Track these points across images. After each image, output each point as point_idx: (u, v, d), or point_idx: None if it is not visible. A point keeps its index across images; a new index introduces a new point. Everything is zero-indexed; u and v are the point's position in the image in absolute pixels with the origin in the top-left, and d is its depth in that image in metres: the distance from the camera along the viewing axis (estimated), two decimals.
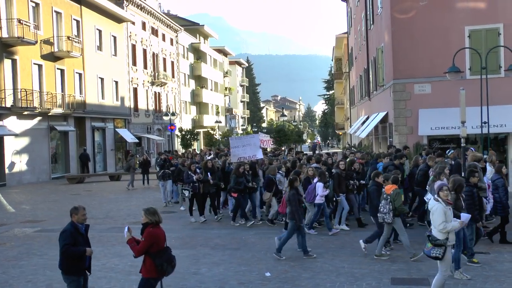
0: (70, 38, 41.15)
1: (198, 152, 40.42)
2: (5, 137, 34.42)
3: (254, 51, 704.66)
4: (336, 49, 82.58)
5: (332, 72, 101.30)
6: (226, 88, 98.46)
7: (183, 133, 59.14)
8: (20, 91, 35.32)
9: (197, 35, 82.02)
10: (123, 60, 52.34)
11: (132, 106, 54.39)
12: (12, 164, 35.19)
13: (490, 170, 15.63)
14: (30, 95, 36.15)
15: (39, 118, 37.86)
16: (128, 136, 50.71)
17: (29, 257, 13.77)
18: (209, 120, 78.70)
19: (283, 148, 45.27)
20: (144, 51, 58.56)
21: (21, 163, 36.26)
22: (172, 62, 67.96)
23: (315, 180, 15.84)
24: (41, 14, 38.32)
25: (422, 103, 26.59)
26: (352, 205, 17.47)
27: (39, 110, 37.17)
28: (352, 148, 34.78)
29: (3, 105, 33.98)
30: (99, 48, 47.41)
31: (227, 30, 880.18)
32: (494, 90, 22.47)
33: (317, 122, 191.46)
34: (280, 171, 18.32)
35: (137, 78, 55.99)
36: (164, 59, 64.86)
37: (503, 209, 13.53)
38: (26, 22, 35.65)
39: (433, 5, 26.45)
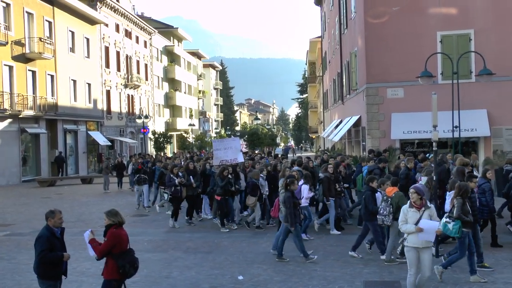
0: (42, 40, 40.71)
1: (170, 155, 40.26)
2: None
3: (228, 54, 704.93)
4: (310, 53, 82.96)
5: (306, 75, 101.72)
6: (199, 91, 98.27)
7: (156, 136, 58.91)
8: None
9: (171, 38, 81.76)
10: (96, 62, 51.93)
11: (105, 108, 53.97)
12: None
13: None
14: (1, 96, 35.70)
15: (9, 120, 37.37)
16: (100, 139, 50.30)
17: None
18: (182, 123, 78.42)
19: (256, 152, 45.27)
20: (118, 53, 58.18)
21: None
22: (146, 65, 67.62)
23: (300, 182, 15.65)
24: (12, 14, 37.85)
25: (395, 107, 26.83)
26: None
27: (10, 112, 36.70)
28: (326, 152, 34.91)
29: None
30: (72, 50, 46.98)
31: (201, 33, 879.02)
32: (465, 94, 22.79)
33: (290, 125, 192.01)
34: (261, 174, 18.19)
35: (110, 81, 55.59)
36: (138, 62, 64.50)
37: (489, 212, 13.67)
38: None
39: (406, 10, 26.73)
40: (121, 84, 58.86)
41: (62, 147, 44.84)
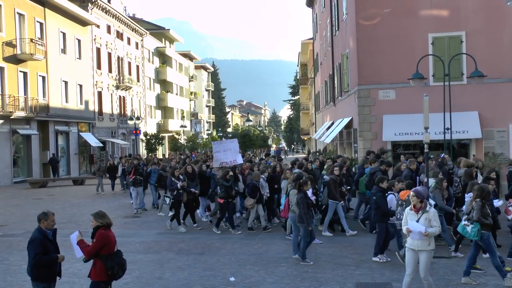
0: (34, 41, 40.59)
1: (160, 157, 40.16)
2: None
3: (219, 56, 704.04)
4: (301, 54, 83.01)
5: (298, 77, 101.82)
6: (191, 93, 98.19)
7: (148, 137, 58.81)
8: None
9: (163, 39, 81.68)
10: (87, 63, 51.81)
11: (96, 110, 53.86)
12: None
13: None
14: None
15: (0, 121, 37.22)
16: (92, 140, 50.18)
17: None
18: (174, 124, 78.32)
19: (249, 153, 45.29)
20: (109, 54, 58.08)
21: None
22: (137, 66, 67.52)
23: None
24: (3, 15, 37.70)
25: (386, 109, 26.88)
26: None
27: (1, 113, 36.57)
28: (317, 153, 34.95)
29: None
30: (63, 51, 46.87)
31: (193, 34, 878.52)
32: (456, 96, 22.85)
33: (282, 127, 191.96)
34: (262, 176, 18.06)
35: (102, 82, 55.48)
36: (129, 63, 64.40)
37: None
38: None
39: (398, 12, 26.80)
40: (113, 85, 58.75)
41: (54, 148, 44.71)
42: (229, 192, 17.37)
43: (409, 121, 25.36)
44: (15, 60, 39.10)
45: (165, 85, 79.52)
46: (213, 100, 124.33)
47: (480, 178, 15.28)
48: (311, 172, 18.25)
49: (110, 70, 58.09)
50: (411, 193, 9.71)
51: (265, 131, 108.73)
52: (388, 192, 12.95)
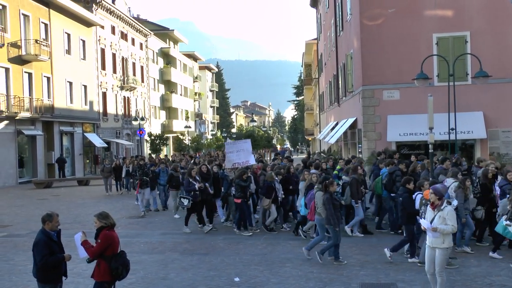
0: (38, 42, 40.68)
1: (170, 157, 40.10)
2: None
3: (224, 57, 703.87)
4: (305, 55, 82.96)
5: (302, 78, 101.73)
6: (195, 93, 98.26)
7: (153, 138, 58.84)
8: None
9: (167, 40, 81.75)
10: (92, 64, 51.91)
11: (101, 110, 53.95)
12: None
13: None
14: None
15: (6, 122, 37.32)
16: (96, 140, 50.25)
17: None
18: (178, 125, 78.39)
19: (259, 153, 45.29)
20: (114, 55, 58.17)
21: None
22: (142, 67, 67.60)
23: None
24: (8, 16, 37.80)
25: (391, 109, 26.87)
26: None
27: (6, 114, 36.66)
28: (322, 154, 34.90)
29: None
30: (68, 52, 46.96)
31: (197, 35, 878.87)
32: (461, 97, 22.82)
33: (286, 127, 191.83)
34: (275, 177, 17.64)
35: (106, 83, 55.57)
36: (134, 64, 64.49)
37: None
38: None
39: (402, 12, 26.78)
40: (117, 86, 58.84)
41: (59, 149, 44.83)
42: (246, 192, 17.18)
43: (414, 122, 25.35)
44: (20, 61, 39.19)
45: (170, 86, 79.59)
46: (218, 100, 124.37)
47: (499, 179, 15.15)
48: (325, 172, 18.14)
49: (114, 71, 58.18)
50: (430, 190, 9.84)
51: (269, 131, 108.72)
52: (417, 192, 12.84)
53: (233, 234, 16.99)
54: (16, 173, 39.17)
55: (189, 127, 78.38)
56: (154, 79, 73.01)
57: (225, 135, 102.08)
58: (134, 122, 54.80)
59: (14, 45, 38.39)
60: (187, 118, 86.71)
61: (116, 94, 58.63)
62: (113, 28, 58.23)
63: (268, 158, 55.48)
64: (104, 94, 55.14)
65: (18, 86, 38.78)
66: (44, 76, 42.63)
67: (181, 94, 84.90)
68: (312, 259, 13.09)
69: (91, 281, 8.52)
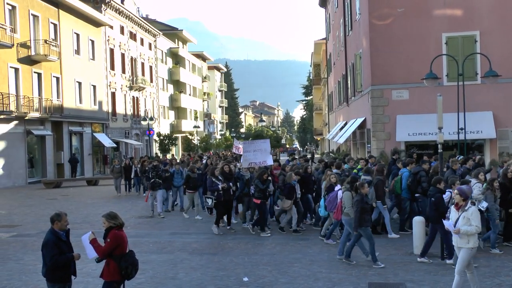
0: (48, 42, 40.83)
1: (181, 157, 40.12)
2: None
3: (232, 56, 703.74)
4: (314, 55, 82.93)
5: (311, 77, 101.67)
6: (204, 93, 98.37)
7: (161, 138, 58.97)
8: None
9: (176, 40, 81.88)
10: (101, 64, 52.06)
11: (110, 110, 54.11)
12: None
13: None
14: (7, 98, 35.77)
15: (15, 122, 37.48)
16: (106, 140, 50.39)
17: (4, 262, 13.60)
18: (187, 125, 78.51)
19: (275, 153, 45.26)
20: (122, 55, 58.32)
21: None
22: (151, 67, 67.74)
23: (337, 187, 15.03)
24: (18, 17, 37.97)
25: (400, 109, 26.80)
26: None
27: (16, 114, 36.81)
28: (331, 154, 34.87)
29: None
30: (77, 52, 47.11)
31: (206, 35, 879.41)
32: (470, 96, 22.76)
33: (295, 127, 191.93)
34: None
35: (115, 83, 55.72)
36: (143, 64, 64.63)
37: None
38: (3, 25, 35.34)
39: (411, 12, 26.71)
40: (126, 86, 58.98)
41: (68, 149, 45.00)
42: (266, 193, 17.04)
43: (423, 121, 25.27)
44: (30, 61, 39.35)
45: (178, 86, 79.72)
46: (226, 100, 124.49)
47: None
48: (341, 172, 18.05)
49: (123, 71, 58.33)
50: (455, 191, 9.86)
51: (278, 131, 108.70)
52: (448, 190, 12.78)
53: (242, 234, 16.99)
54: (25, 173, 39.32)
55: (198, 127, 78.54)
56: (163, 79, 73.15)
57: (234, 135, 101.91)
58: (143, 122, 54.94)
59: (24, 45, 38.56)
60: (196, 118, 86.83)
61: (125, 94, 58.78)
62: (122, 28, 58.37)
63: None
64: (113, 94, 55.29)
65: (27, 86, 38.95)
66: (54, 76, 42.79)
67: (190, 94, 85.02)
68: (319, 260, 13.05)
69: (100, 281, 8.55)
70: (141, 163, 29.44)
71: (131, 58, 60.76)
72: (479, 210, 11.88)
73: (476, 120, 24.31)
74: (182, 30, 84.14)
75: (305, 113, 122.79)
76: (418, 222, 13.66)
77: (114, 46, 55.63)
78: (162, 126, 69.48)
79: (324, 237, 15.52)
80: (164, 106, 73.34)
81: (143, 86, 62.46)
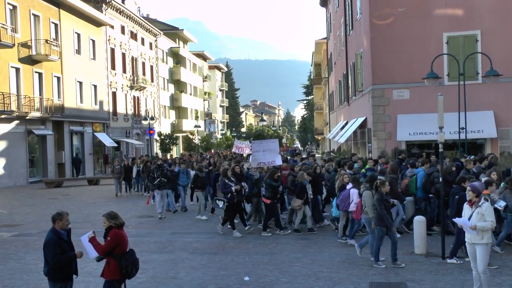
0: (48, 42, 40.83)
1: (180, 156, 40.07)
2: None
3: (233, 56, 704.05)
4: (315, 54, 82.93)
5: (312, 77, 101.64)
6: (205, 93, 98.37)
7: (162, 137, 58.99)
8: None
9: (177, 40, 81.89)
10: (102, 64, 52.08)
11: (111, 110, 54.12)
12: None
13: None
14: (8, 98, 35.79)
15: (16, 121, 37.50)
16: (106, 140, 50.41)
17: (5, 262, 13.61)
18: (188, 124, 78.50)
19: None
20: (123, 55, 58.33)
21: None
22: (151, 66, 67.75)
23: (349, 186, 15.04)
24: (19, 17, 37.99)
25: (401, 108, 26.82)
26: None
27: (17, 113, 36.83)
28: (331, 154, 34.86)
29: None
30: (78, 51, 47.13)
31: (207, 34, 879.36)
32: (471, 96, 22.78)
33: (296, 127, 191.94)
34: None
35: (116, 82, 55.73)
36: (143, 63, 64.65)
37: None
38: (4, 24, 35.34)
39: (412, 11, 26.73)
40: (127, 85, 59.00)
41: (69, 148, 45.01)
42: (276, 193, 16.97)
43: (424, 121, 25.29)
44: (31, 61, 39.37)
45: (179, 85, 79.73)
46: (227, 100, 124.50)
47: None
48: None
49: (124, 71, 58.35)
50: (468, 188, 9.90)
51: (279, 131, 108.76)
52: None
53: (243, 234, 16.94)
54: (26, 173, 39.34)
55: (199, 126, 78.46)
56: (163, 78, 73.17)
57: (235, 134, 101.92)
58: (144, 122, 54.96)
59: (25, 45, 38.57)
60: (196, 117, 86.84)
61: (126, 94, 58.79)
62: (122, 28, 58.39)
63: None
64: (114, 94, 55.31)
65: (28, 86, 38.97)
66: (54, 76, 42.81)
67: (190, 94, 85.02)
68: (320, 259, 13.07)
69: (101, 280, 8.56)
70: (143, 163, 29.10)
71: (132, 57, 60.78)
72: (495, 208, 11.91)
73: (477, 119, 24.31)
74: (183, 29, 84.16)
75: (306, 112, 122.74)
76: (418, 221, 13.65)
77: (115, 45, 55.64)
78: (163, 126, 69.49)
79: (341, 239, 15.38)
80: (165, 106, 73.35)
81: (144, 86, 62.48)
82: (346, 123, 37.18)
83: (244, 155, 35.61)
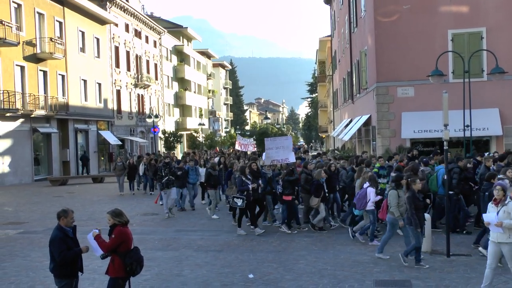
0: (53, 40, 40.89)
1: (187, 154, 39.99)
2: None
3: (237, 54, 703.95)
4: (319, 52, 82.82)
5: (316, 75, 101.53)
6: (209, 91, 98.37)
7: (167, 135, 59.01)
8: (2, 93, 35.04)
9: (181, 38, 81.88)
10: (106, 62, 52.13)
11: (115, 108, 54.18)
12: None
13: None
14: (13, 96, 35.87)
15: (21, 120, 37.58)
16: (111, 138, 50.49)
17: (11, 259, 13.65)
18: (192, 122, 78.53)
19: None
20: (128, 53, 58.37)
21: (3, 165, 35.96)
22: (156, 64, 67.78)
23: (366, 185, 14.80)
24: (23, 15, 38.05)
25: (405, 106, 26.76)
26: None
27: (22, 112, 36.90)
28: (335, 152, 34.82)
29: None
30: (82, 49, 47.19)
31: (211, 32, 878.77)
32: (476, 93, 22.69)
33: (300, 125, 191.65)
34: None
35: (120, 80, 55.78)
36: (148, 61, 64.68)
37: None
38: (8, 23, 35.39)
39: (417, 8, 26.65)
40: (131, 83, 59.05)
41: (73, 146, 45.10)
42: (295, 190, 16.87)
43: (428, 118, 25.23)
44: (35, 59, 39.44)
45: (183, 83, 79.77)
46: (231, 98, 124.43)
47: None
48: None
49: (128, 69, 58.40)
50: (497, 186, 9.82)
51: (283, 128, 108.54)
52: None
53: (247, 231, 16.93)
54: (31, 171, 39.43)
55: (203, 124, 78.46)
56: (167, 76, 73.20)
57: (239, 132, 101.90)
58: (148, 120, 55.01)
59: (29, 43, 38.63)
60: (200, 115, 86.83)
61: (130, 92, 58.85)
62: (127, 26, 58.43)
63: None
64: (118, 92, 55.37)
65: (33, 84, 39.05)
66: (59, 74, 42.87)
67: (194, 92, 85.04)
68: (325, 257, 13.06)
69: (106, 277, 8.58)
70: (148, 162, 28.95)
71: (136, 55, 60.82)
72: None
73: (482, 117, 24.25)
74: (187, 27, 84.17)
75: (310, 110, 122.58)
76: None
77: (119, 43, 55.68)
78: (167, 124, 69.53)
79: (355, 233, 15.27)
80: (169, 104, 73.38)
81: (148, 84, 62.52)
82: (351, 121, 37.13)
83: (248, 152, 35.55)
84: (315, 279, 11.29)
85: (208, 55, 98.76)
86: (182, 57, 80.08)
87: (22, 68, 38.00)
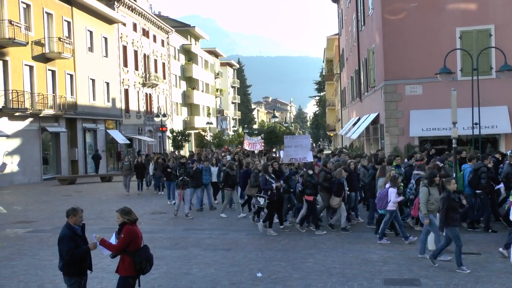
0: (61, 39, 41.03)
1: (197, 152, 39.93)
2: None
3: (245, 53, 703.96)
4: (327, 50, 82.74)
5: (323, 73, 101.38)
6: (217, 90, 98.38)
7: (175, 134, 59.05)
8: (12, 92, 35.18)
9: (188, 37, 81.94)
10: (114, 61, 52.24)
11: (123, 107, 54.29)
12: (4, 165, 34.93)
13: None
14: (22, 96, 36.01)
15: (30, 119, 37.72)
16: (119, 137, 50.61)
17: (20, 258, 13.70)
18: (200, 121, 78.58)
19: (274, 150, 45.21)
20: (135, 52, 58.47)
21: (12, 164, 36.07)
22: (163, 64, 67.86)
23: (387, 185, 14.58)
24: (32, 15, 38.20)
25: (413, 104, 26.68)
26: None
27: (31, 111, 37.04)
28: (343, 150, 34.74)
29: None
30: (90, 49, 47.31)
31: (218, 31, 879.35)
32: (485, 91, 22.58)
33: (308, 123, 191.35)
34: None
35: (128, 80, 55.89)
36: (155, 61, 64.77)
37: None
38: (17, 23, 35.52)
39: (424, 6, 26.57)
40: (139, 83, 59.15)
41: (82, 145, 45.23)
42: (317, 189, 16.73)
43: (437, 116, 25.15)
44: (44, 58, 39.57)
45: (191, 82, 79.84)
46: (239, 96, 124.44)
47: None
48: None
49: (136, 68, 58.50)
50: None
51: (291, 127, 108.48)
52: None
53: (256, 230, 16.91)
54: (40, 170, 39.57)
55: (211, 123, 78.54)
56: (175, 75, 73.28)
57: (247, 131, 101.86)
58: (156, 119, 55.07)
59: (38, 43, 38.77)
60: (208, 114, 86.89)
61: (138, 91, 58.95)
62: (134, 25, 58.52)
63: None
64: (126, 91, 55.47)
65: (42, 84, 39.19)
66: (67, 74, 43.01)
67: (202, 91, 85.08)
68: (333, 255, 13.04)
69: (115, 276, 8.59)
70: (155, 161, 28.80)
71: (144, 55, 60.92)
72: None
73: (491, 115, 24.12)
74: (194, 26, 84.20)
75: (318, 109, 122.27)
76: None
77: (127, 43, 55.78)
78: (175, 123, 69.61)
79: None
80: (177, 103, 73.46)
81: (156, 83, 62.60)
82: (359, 119, 37.06)
83: (256, 151, 35.57)
84: (324, 277, 11.27)
85: (215, 54, 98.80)
86: (190, 56, 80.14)
87: (31, 67, 38.13)
